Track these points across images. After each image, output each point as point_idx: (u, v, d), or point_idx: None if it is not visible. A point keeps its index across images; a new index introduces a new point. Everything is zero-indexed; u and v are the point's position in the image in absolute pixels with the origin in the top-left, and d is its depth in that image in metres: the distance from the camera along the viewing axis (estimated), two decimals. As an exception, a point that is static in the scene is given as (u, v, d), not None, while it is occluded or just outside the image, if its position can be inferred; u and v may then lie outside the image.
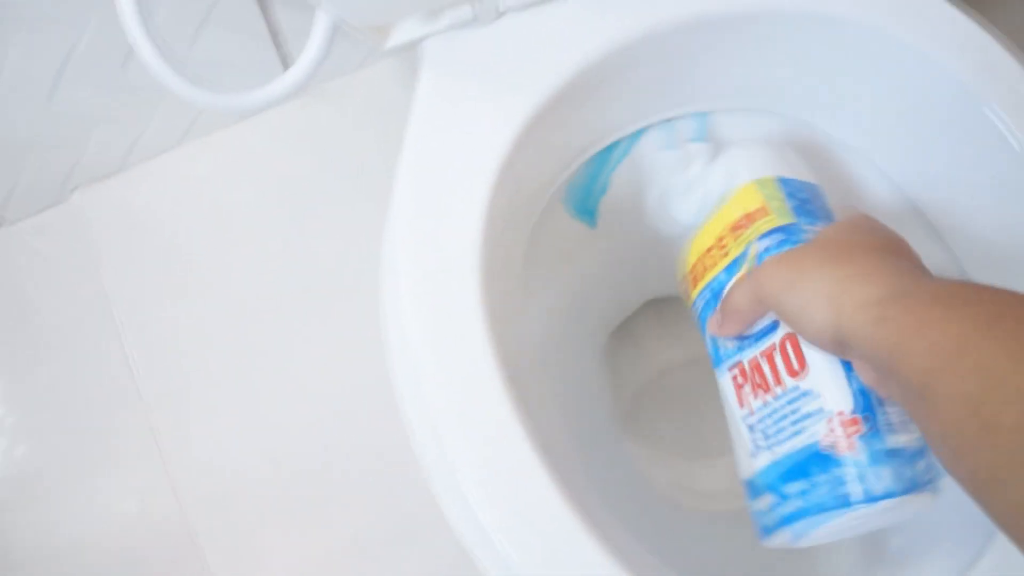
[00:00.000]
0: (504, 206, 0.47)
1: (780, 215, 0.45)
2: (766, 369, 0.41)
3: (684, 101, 0.55)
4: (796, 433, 0.40)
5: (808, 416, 0.39)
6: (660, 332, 0.67)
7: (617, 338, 0.67)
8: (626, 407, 0.65)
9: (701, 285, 0.47)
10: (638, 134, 0.57)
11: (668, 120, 0.57)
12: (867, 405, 0.39)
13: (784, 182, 0.47)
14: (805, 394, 0.40)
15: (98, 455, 0.78)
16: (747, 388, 0.42)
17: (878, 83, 0.53)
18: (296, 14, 0.77)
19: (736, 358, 0.43)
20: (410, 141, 0.46)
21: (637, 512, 0.57)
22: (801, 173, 0.49)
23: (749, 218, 0.46)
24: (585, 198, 0.56)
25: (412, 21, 0.48)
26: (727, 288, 0.44)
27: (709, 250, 0.47)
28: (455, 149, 0.46)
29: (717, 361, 0.45)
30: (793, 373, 0.40)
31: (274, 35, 0.79)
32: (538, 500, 0.40)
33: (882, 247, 0.38)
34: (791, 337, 0.40)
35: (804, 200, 0.47)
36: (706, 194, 0.51)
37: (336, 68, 0.87)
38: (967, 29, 0.50)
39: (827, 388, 0.39)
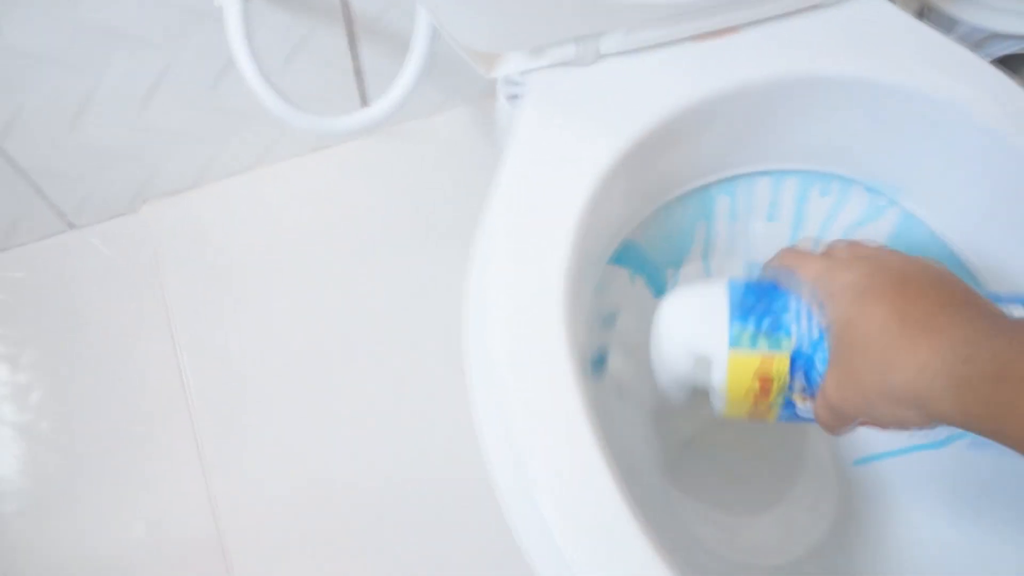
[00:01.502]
0: (589, 239, 0.49)
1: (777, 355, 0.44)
2: None
3: (757, 159, 0.57)
4: None
5: None
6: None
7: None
8: (673, 459, 0.65)
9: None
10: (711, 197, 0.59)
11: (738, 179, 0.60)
12: None
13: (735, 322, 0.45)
14: None
15: (139, 467, 0.78)
16: None
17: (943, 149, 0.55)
18: (380, 57, 0.81)
19: None
20: (508, 166, 0.48)
21: (683, 558, 0.57)
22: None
23: (764, 382, 0.44)
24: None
25: (519, 55, 0.51)
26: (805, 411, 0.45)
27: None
28: (549, 179, 0.48)
29: None
30: None
31: (357, 73, 0.83)
32: (620, 536, 0.40)
33: (929, 309, 0.37)
34: None
35: (762, 314, 0.45)
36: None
37: (413, 111, 0.90)
38: None
39: None
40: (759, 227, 0.62)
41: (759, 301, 0.45)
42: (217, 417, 0.79)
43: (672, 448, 0.67)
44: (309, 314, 0.83)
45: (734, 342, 0.44)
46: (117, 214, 0.87)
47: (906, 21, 0.57)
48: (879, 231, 0.61)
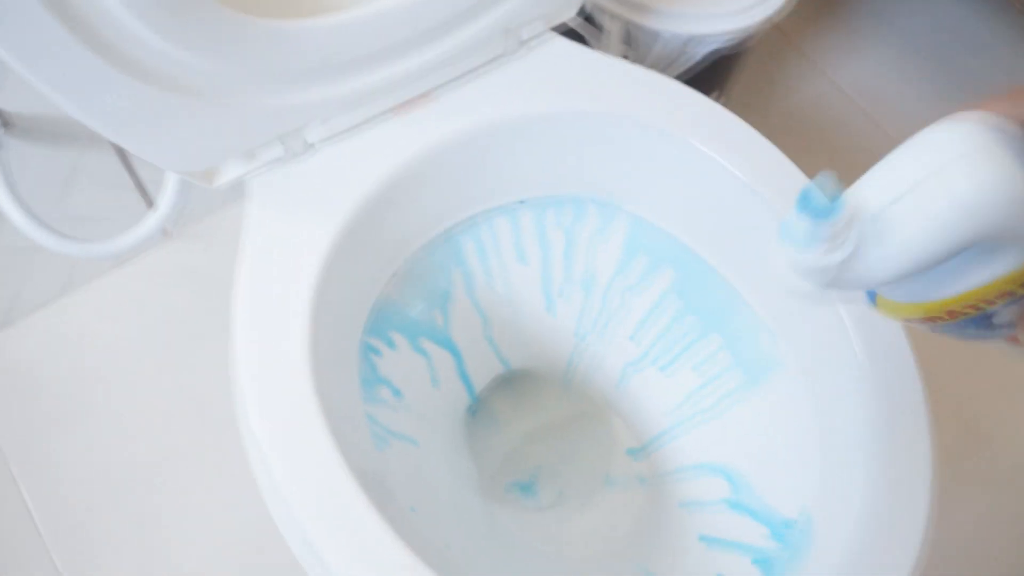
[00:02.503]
0: (329, 311, 0.54)
1: None
2: None
3: (487, 198, 0.64)
4: None
5: None
6: (514, 403, 0.74)
7: (478, 416, 0.73)
8: (491, 475, 0.71)
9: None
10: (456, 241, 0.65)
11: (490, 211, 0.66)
12: None
13: None
14: None
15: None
16: None
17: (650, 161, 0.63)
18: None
19: None
20: (240, 265, 0.53)
21: (506, 560, 0.62)
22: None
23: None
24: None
25: (233, 163, 0.56)
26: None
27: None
28: (279, 266, 0.53)
29: None
30: None
31: (139, 187, 0.86)
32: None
33: None
34: None
35: None
36: None
37: (204, 207, 0.94)
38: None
39: None
40: (511, 260, 0.68)
41: None
42: (72, 542, 0.81)
43: (491, 470, 0.73)
44: (142, 425, 0.86)
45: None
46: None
47: (589, 55, 0.64)
48: (615, 237, 0.68)
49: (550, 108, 0.61)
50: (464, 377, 0.68)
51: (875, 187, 0.37)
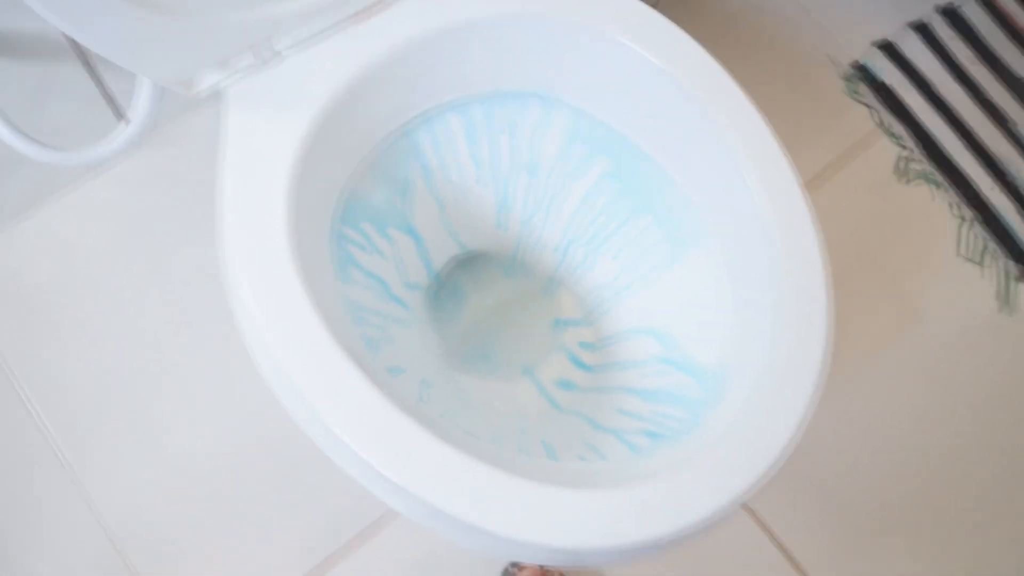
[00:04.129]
0: (306, 200, 0.62)
1: None
2: None
3: (439, 94, 0.71)
4: None
5: None
6: (470, 281, 0.83)
7: (440, 294, 0.82)
8: (454, 346, 0.81)
9: None
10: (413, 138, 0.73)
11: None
12: None
13: None
14: None
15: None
16: None
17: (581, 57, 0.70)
18: (124, 75, 0.89)
19: None
20: (222, 165, 0.60)
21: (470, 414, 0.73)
22: None
23: None
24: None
25: (208, 72, 0.62)
26: None
27: None
28: (257, 163, 0.60)
29: None
30: None
31: (108, 98, 0.91)
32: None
33: None
34: None
35: None
36: None
37: (173, 114, 0.99)
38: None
39: None
40: (463, 151, 0.75)
41: None
42: (77, 435, 0.90)
43: (453, 341, 0.83)
44: (131, 327, 0.93)
45: None
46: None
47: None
48: (555, 127, 0.76)
49: (488, 11, 0.67)
50: (425, 259, 0.77)
51: None
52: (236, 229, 0.59)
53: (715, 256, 0.72)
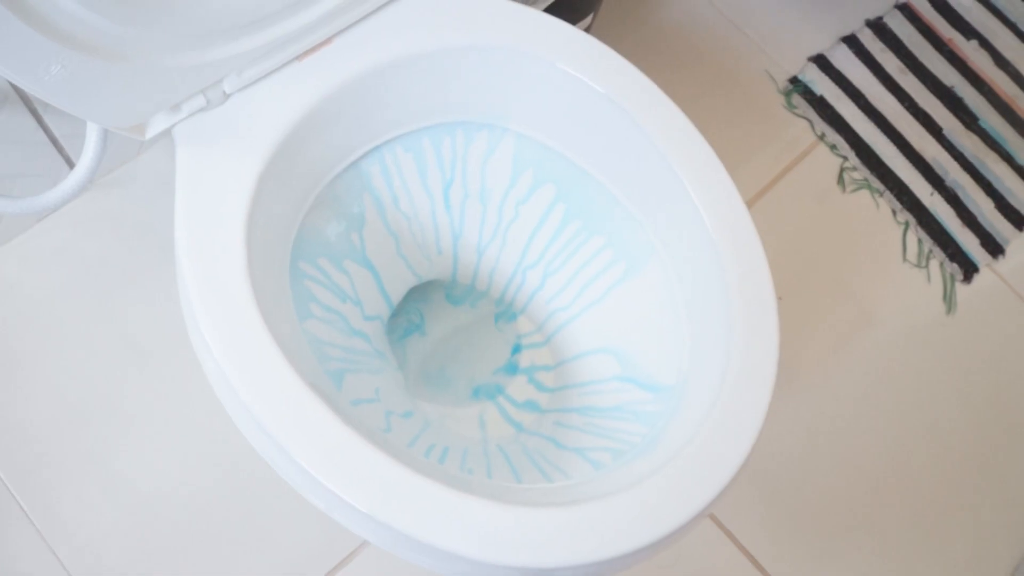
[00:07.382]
0: (260, 238, 0.62)
1: None
2: None
3: (388, 127, 0.72)
4: None
5: None
6: (433, 311, 0.84)
7: (398, 324, 0.83)
8: (414, 375, 0.82)
9: None
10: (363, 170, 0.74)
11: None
12: None
13: None
14: None
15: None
16: None
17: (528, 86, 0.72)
18: (70, 121, 0.89)
19: None
20: (178, 207, 0.61)
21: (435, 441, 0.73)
22: None
23: None
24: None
25: (160, 116, 0.62)
26: None
27: None
28: (212, 206, 0.61)
29: None
30: None
31: (54, 142, 0.90)
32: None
33: None
34: None
35: None
36: None
37: (119, 157, 0.99)
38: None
39: None
40: (414, 183, 0.77)
41: None
42: (32, 480, 0.88)
43: (415, 369, 0.83)
44: (88, 371, 0.92)
45: None
46: None
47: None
48: (504, 155, 0.77)
49: (431, 46, 0.69)
50: (383, 290, 0.78)
51: None
52: (195, 272, 0.59)
53: (667, 272, 0.74)
